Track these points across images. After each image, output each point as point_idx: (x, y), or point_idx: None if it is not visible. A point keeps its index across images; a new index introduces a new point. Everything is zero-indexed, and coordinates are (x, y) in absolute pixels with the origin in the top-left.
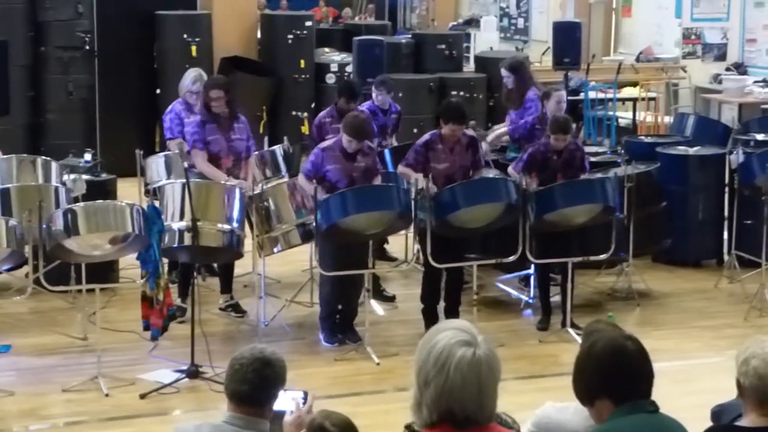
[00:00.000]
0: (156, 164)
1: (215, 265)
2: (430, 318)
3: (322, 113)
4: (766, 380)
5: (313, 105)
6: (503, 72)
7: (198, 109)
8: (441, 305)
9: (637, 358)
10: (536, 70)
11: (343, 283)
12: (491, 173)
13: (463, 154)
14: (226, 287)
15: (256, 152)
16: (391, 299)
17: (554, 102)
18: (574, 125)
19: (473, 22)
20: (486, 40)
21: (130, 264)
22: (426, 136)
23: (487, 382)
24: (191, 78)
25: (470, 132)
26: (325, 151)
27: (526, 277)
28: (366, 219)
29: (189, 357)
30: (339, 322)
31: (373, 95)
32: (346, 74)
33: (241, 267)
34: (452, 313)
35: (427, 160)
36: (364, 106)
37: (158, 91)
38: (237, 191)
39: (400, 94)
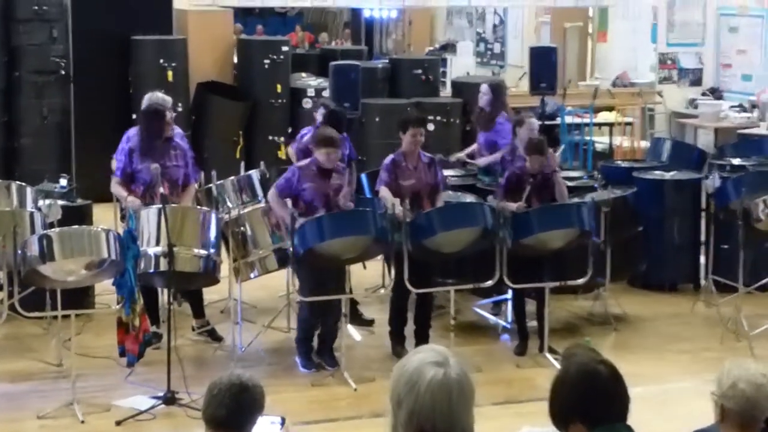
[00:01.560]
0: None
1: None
2: (397, 338)
3: (306, 139)
4: (755, 403)
5: (289, 130)
6: (483, 89)
7: (134, 133)
8: (410, 328)
9: (610, 382)
10: (513, 94)
11: (321, 307)
12: (467, 197)
13: (427, 172)
14: (199, 311)
15: (233, 177)
16: (369, 323)
17: (526, 129)
18: (551, 150)
19: (449, 47)
20: (462, 64)
21: (105, 290)
22: (390, 156)
23: (458, 403)
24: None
25: (429, 154)
26: (301, 169)
27: (499, 304)
28: (342, 244)
29: (165, 383)
30: (318, 347)
31: (317, 117)
32: (325, 98)
33: (217, 293)
34: (422, 336)
35: (396, 178)
36: (308, 134)
37: (134, 116)
38: (213, 216)
39: (376, 119)
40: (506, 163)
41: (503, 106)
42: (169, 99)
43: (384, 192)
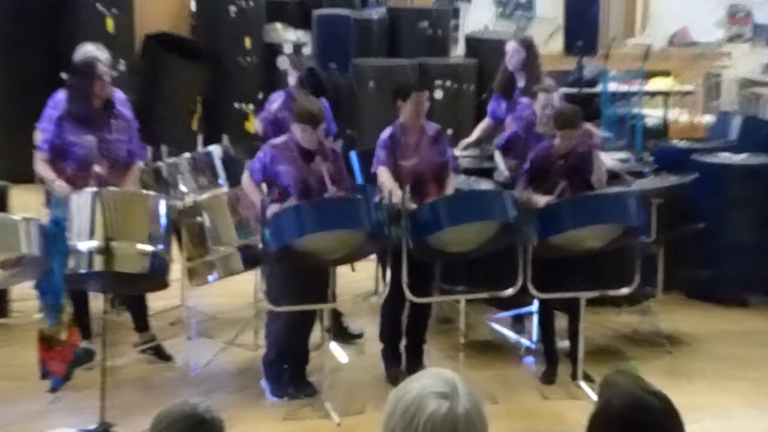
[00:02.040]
0: None
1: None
2: (392, 358)
3: (276, 105)
4: None
5: (260, 95)
6: (512, 46)
7: (62, 98)
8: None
9: (661, 417)
10: (542, 55)
11: (297, 320)
12: (483, 184)
13: (431, 149)
14: (142, 323)
15: (189, 154)
16: (357, 336)
17: (539, 106)
18: (589, 125)
19: None
20: (479, 17)
21: (24, 294)
22: (387, 131)
23: None
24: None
25: (435, 125)
26: (277, 148)
27: (521, 318)
28: (327, 239)
29: (98, 412)
30: (291, 370)
31: (290, 79)
32: (303, 56)
33: (166, 299)
34: (415, 351)
35: (395, 158)
36: (278, 100)
37: (64, 75)
38: (162, 203)
39: (371, 84)
40: (520, 138)
41: (539, 69)
42: (107, 54)
43: (382, 174)
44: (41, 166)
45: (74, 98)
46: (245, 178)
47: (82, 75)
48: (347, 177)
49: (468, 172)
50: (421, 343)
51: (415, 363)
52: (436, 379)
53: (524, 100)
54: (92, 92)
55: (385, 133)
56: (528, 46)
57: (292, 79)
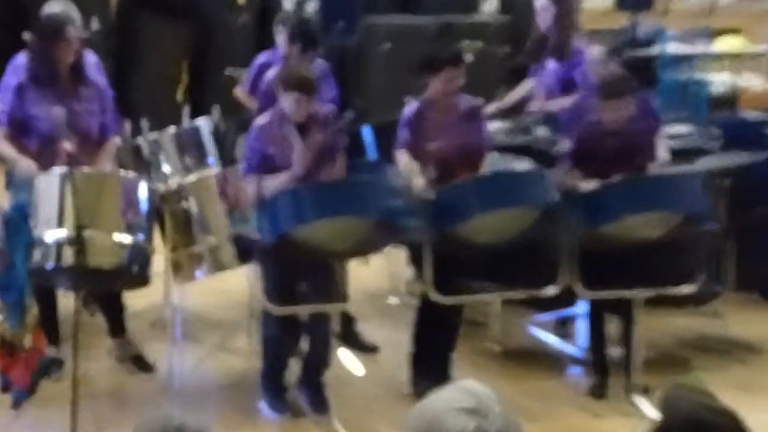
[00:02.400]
0: None
1: None
2: (422, 367)
3: (269, 73)
4: None
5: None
6: (542, 3)
7: (23, 62)
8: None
9: None
10: (589, 11)
11: (297, 323)
12: (520, 165)
13: (462, 128)
14: (117, 327)
15: (173, 129)
16: (372, 350)
17: (595, 65)
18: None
19: None
20: None
21: None
22: (412, 105)
23: None
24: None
25: (471, 99)
26: (263, 130)
27: (565, 322)
28: (331, 228)
29: (68, 428)
30: (300, 378)
31: (278, 39)
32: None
33: (147, 297)
34: (441, 359)
35: (420, 137)
36: (262, 58)
37: (26, 37)
38: (143, 186)
39: (384, 46)
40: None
41: (574, 27)
42: (76, 12)
43: (403, 158)
44: (1, 143)
45: (37, 63)
46: (249, 187)
47: (47, 36)
48: (342, 152)
49: (500, 149)
50: (448, 351)
51: (443, 374)
52: (462, 392)
53: (551, 64)
54: (58, 56)
55: (410, 109)
56: (558, 0)
57: (281, 39)
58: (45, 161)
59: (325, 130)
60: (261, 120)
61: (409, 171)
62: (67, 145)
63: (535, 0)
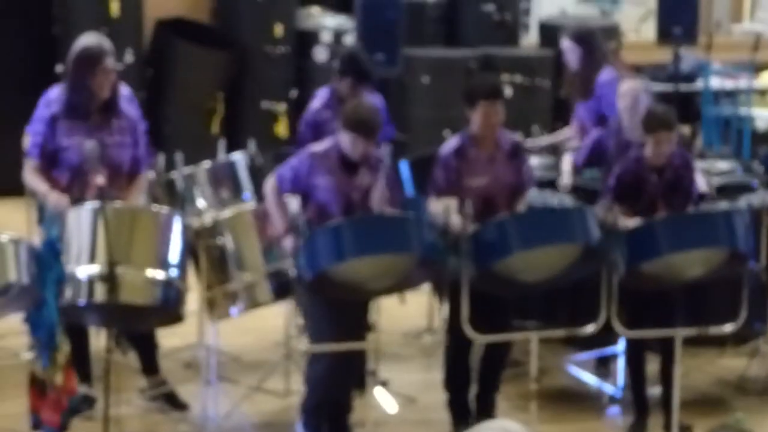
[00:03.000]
0: None
1: None
2: (460, 412)
3: (315, 104)
4: None
5: (294, 93)
6: (565, 44)
7: (56, 95)
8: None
9: None
10: (630, 46)
11: (341, 360)
12: (560, 201)
13: (507, 166)
14: (149, 365)
15: (208, 163)
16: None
17: (623, 101)
18: (687, 129)
19: None
20: (555, 0)
21: (12, 329)
22: (452, 142)
23: None
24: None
25: (513, 136)
26: (315, 157)
27: (606, 361)
28: (370, 265)
29: None
30: (331, 421)
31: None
32: (344, 46)
33: (181, 336)
34: (486, 402)
35: (460, 175)
36: (320, 97)
37: (58, 68)
38: (177, 221)
39: (425, 80)
40: (607, 146)
41: (603, 58)
42: (109, 44)
43: (435, 205)
44: (31, 176)
45: (72, 94)
46: (269, 186)
47: (84, 66)
48: (398, 191)
49: (540, 184)
50: (494, 392)
51: (487, 415)
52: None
53: (583, 104)
54: (95, 87)
55: (449, 146)
56: (582, 40)
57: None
58: (75, 194)
59: (375, 173)
60: (315, 148)
61: (446, 208)
62: (99, 179)
63: (561, 43)
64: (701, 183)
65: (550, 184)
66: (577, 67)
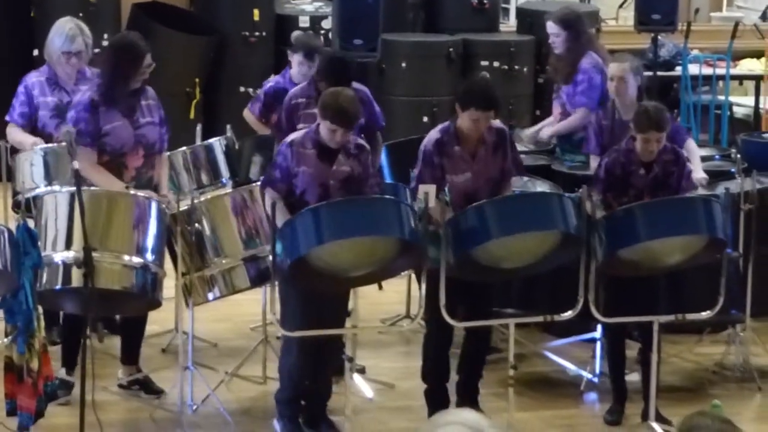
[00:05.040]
0: (30, 163)
1: (117, 318)
2: (438, 401)
3: (293, 90)
4: None
5: (272, 78)
6: (551, 28)
7: (90, 76)
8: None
9: None
10: (610, 30)
11: (315, 349)
12: (539, 186)
13: (490, 161)
14: (130, 355)
15: (186, 148)
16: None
17: (620, 81)
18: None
19: None
20: None
21: None
22: (434, 134)
23: None
24: (67, 33)
25: (498, 123)
26: (294, 146)
27: (588, 345)
28: (351, 251)
29: None
30: (308, 408)
31: (293, 61)
32: (321, 33)
33: (158, 323)
34: (469, 391)
35: (443, 170)
36: (272, 81)
37: (35, 52)
38: (154, 206)
39: (403, 65)
40: (593, 130)
41: (588, 43)
42: (87, 30)
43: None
44: (15, 134)
45: (110, 82)
46: (268, 204)
47: (127, 60)
48: (379, 177)
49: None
50: (476, 381)
51: (470, 404)
52: (460, 426)
53: (565, 87)
54: (132, 79)
55: (431, 139)
56: (568, 24)
57: (295, 64)
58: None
59: (355, 161)
60: (293, 137)
61: (425, 195)
62: (135, 160)
63: (547, 27)
64: (700, 173)
65: (533, 169)
66: (561, 50)
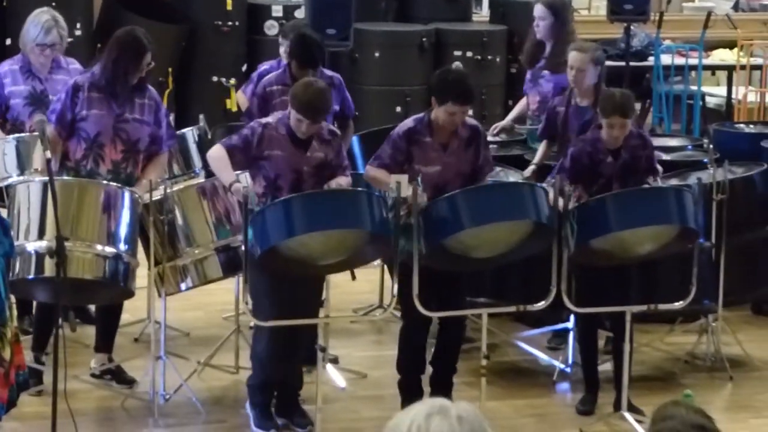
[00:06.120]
0: (2, 152)
1: (92, 308)
2: (411, 393)
3: (268, 78)
4: None
5: (244, 67)
6: (539, 11)
7: (65, 65)
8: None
9: None
10: (582, 20)
11: (287, 337)
12: (511, 176)
13: (462, 155)
14: (105, 343)
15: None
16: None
17: (570, 70)
18: (638, 106)
19: None
20: None
21: None
22: (408, 123)
23: None
24: (43, 24)
25: (473, 121)
26: (267, 128)
27: (561, 335)
28: (321, 241)
29: None
30: (280, 397)
31: (281, 50)
32: (296, 21)
33: (130, 312)
34: (444, 384)
35: (410, 159)
36: (266, 65)
37: (8, 41)
38: (126, 196)
39: (377, 54)
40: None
41: (573, 36)
42: (61, 19)
43: (373, 172)
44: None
45: (108, 73)
46: (215, 150)
47: (128, 54)
48: (348, 166)
49: (496, 160)
50: (450, 375)
51: (444, 396)
52: (429, 405)
53: (546, 73)
54: (131, 74)
55: (403, 126)
56: (556, 10)
57: (282, 50)
58: (89, 166)
59: (329, 147)
60: (268, 119)
61: (397, 184)
62: (113, 152)
63: (534, 10)
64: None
65: (505, 159)
66: (543, 36)
